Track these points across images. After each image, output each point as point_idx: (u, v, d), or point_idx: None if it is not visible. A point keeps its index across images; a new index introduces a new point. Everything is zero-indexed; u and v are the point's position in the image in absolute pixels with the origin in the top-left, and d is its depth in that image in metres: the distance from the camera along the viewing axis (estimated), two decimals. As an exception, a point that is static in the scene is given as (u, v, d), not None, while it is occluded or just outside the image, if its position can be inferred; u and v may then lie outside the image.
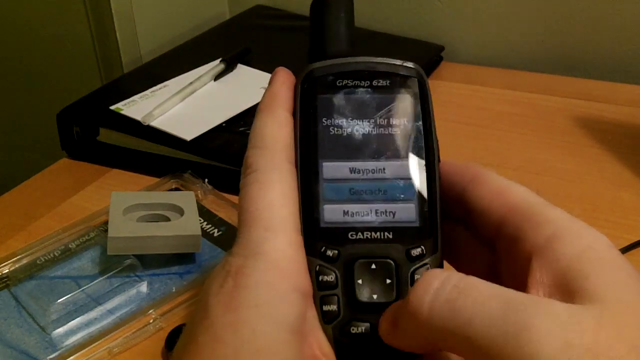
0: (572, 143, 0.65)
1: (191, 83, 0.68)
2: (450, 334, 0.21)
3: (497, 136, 0.66)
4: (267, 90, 0.28)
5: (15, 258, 0.49)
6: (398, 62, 0.28)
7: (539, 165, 0.61)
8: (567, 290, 0.21)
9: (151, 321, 0.44)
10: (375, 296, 0.25)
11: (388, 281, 0.25)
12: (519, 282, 0.23)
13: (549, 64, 0.83)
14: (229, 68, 0.72)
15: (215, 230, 0.53)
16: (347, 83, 0.27)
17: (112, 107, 0.65)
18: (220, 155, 0.59)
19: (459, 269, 0.28)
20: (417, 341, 0.23)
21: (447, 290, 0.21)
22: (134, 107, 0.64)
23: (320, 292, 0.25)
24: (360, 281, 0.25)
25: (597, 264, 0.22)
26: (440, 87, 0.76)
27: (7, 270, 0.48)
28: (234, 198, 0.56)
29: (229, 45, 0.79)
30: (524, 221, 0.24)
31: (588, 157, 0.63)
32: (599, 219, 0.53)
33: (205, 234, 0.52)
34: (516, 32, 0.84)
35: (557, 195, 0.56)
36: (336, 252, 0.25)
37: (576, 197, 0.56)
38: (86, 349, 0.42)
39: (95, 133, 0.64)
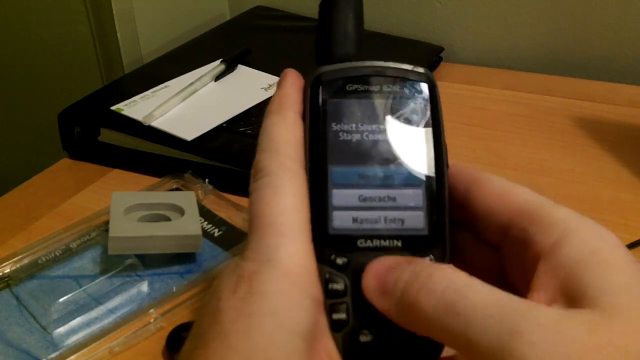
0: (572, 143, 0.65)
1: (192, 83, 0.68)
2: (449, 333, 0.21)
3: (497, 136, 0.67)
4: (276, 92, 0.28)
5: (17, 258, 0.49)
6: (408, 67, 0.27)
7: (539, 165, 0.62)
8: (570, 295, 0.21)
9: (152, 320, 0.44)
10: None
11: None
12: (527, 285, 0.23)
13: (549, 64, 0.83)
14: (229, 69, 0.72)
15: (216, 230, 0.53)
16: (357, 88, 0.27)
17: (113, 108, 0.65)
18: (221, 155, 0.59)
19: (466, 271, 0.28)
20: (418, 325, 0.23)
21: (449, 292, 0.22)
22: (135, 108, 0.65)
23: (330, 300, 0.25)
24: None
25: (600, 267, 0.21)
26: (440, 88, 0.75)
27: (9, 270, 0.48)
28: (235, 198, 0.56)
29: (229, 45, 0.79)
30: (531, 224, 0.24)
31: (588, 157, 0.63)
32: (598, 219, 0.52)
33: (205, 233, 0.52)
34: (516, 33, 0.84)
35: (557, 195, 0.56)
36: (345, 259, 0.25)
37: (575, 197, 0.56)
38: (87, 348, 0.42)
39: (96, 133, 0.64)
